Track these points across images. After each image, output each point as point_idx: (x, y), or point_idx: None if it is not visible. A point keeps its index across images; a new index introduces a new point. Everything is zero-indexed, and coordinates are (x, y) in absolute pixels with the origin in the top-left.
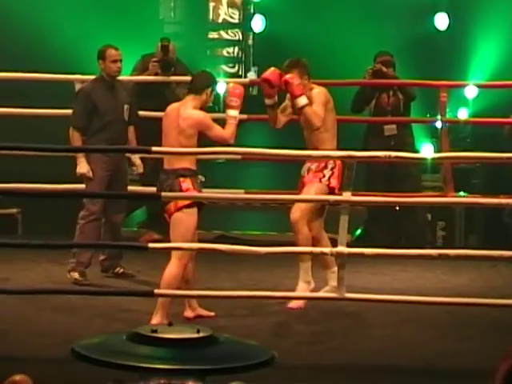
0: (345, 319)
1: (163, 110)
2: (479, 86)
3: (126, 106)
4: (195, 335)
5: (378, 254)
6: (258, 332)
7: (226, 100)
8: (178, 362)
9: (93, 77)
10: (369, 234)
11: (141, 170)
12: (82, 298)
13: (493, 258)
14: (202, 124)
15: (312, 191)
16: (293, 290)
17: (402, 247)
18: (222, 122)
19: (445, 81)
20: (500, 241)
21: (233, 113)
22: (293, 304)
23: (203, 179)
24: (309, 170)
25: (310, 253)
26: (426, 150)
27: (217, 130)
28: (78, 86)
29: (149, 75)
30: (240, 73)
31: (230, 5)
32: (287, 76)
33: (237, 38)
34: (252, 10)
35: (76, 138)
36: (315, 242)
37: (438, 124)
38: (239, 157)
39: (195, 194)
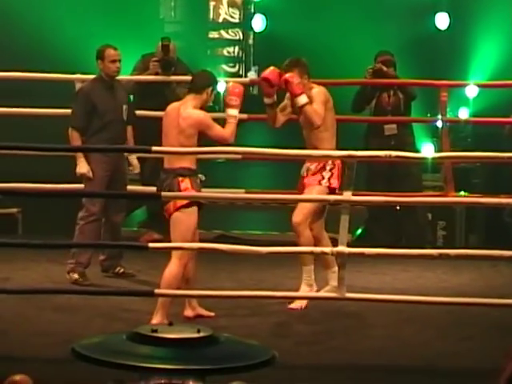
0: (345, 319)
1: (164, 109)
2: (480, 86)
3: (124, 106)
4: (195, 335)
5: (379, 253)
6: (259, 332)
7: (226, 99)
8: (179, 362)
9: (93, 76)
10: (369, 234)
11: (137, 170)
12: (83, 298)
13: (493, 258)
14: (202, 124)
15: (313, 194)
16: (293, 289)
17: (402, 247)
18: (222, 122)
19: (445, 80)
20: (500, 240)
21: (233, 112)
22: (294, 305)
23: (203, 178)
24: (308, 170)
25: (311, 252)
26: (427, 150)
27: (217, 130)
28: (78, 86)
29: (149, 75)
30: (240, 72)
31: (231, 4)
32: (287, 75)
33: (237, 37)
34: (252, 10)
35: (75, 138)
36: (316, 241)
37: (439, 123)
38: (239, 156)
39: (194, 193)
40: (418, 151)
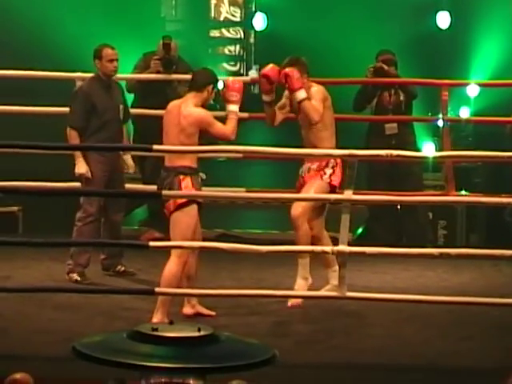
0: (346, 318)
1: (165, 108)
2: (481, 85)
3: (121, 106)
4: (196, 334)
5: (380, 252)
6: (259, 330)
7: (226, 95)
8: (179, 361)
9: (91, 75)
10: (370, 233)
11: (132, 170)
12: (83, 296)
13: (494, 257)
14: (203, 121)
15: (313, 188)
16: (294, 288)
17: (403, 246)
18: (222, 120)
19: (446, 79)
20: (501, 240)
21: (233, 108)
22: (292, 302)
23: (204, 177)
24: (309, 169)
25: (311, 251)
26: (428, 149)
27: (218, 127)
28: (78, 84)
29: (150, 73)
30: (241, 71)
31: (232, 3)
32: (287, 69)
33: (238, 36)
34: (253, 8)
35: (74, 138)
36: (316, 240)
37: (440, 123)
38: (240, 155)
39: (195, 192)
40: (418, 150)
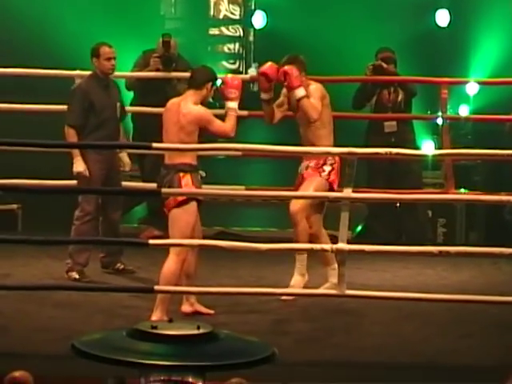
0: (345, 316)
1: (164, 105)
2: (480, 83)
3: (118, 104)
4: (195, 331)
5: (379, 250)
6: (259, 328)
7: (224, 92)
8: (178, 359)
9: (88, 73)
10: (369, 231)
11: (128, 167)
12: (83, 294)
13: (494, 255)
14: (202, 119)
15: (312, 185)
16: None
17: (402, 244)
18: (222, 118)
19: (446, 77)
20: (501, 238)
21: (232, 105)
22: (286, 296)
23: (204, 174)
24: (307, 167)
25: (311, 249)
26: (427, 147)
27: (217, 125)
28: (77, 82)
29: (150, 71)
30: (241, 69)
31: (231, 1)
32: (286, 67)
33: (238, 34)
34: (253, 6)
35: (72, 136)
36: (314, 238)
37: (439, 121)
38: (240, 153)
39: (195, 190)
40: (418, 148)
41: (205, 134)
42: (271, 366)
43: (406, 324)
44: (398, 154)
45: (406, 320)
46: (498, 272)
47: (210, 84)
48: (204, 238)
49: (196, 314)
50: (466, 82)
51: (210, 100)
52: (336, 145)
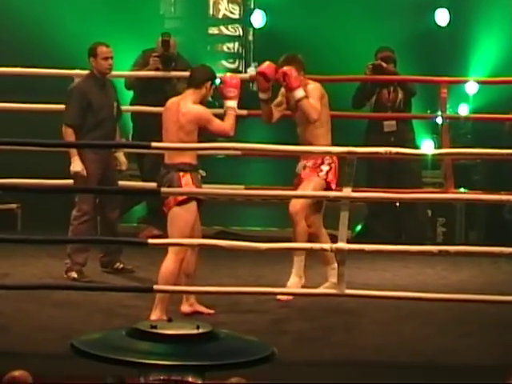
0: (345, 315)
1: (164, 105)
2: (480, 82)
3: (115, 103)
4: (195, 331)
5: (379, 250)
6: (258, 328)
7: (223, 91)
8: (178, 358)
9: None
10: (369, 231)
11: (125, 166)
12: (82, 294)
13: (493, 255)
14: (202, 118)
15: (311, 186)
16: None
17: (402, 243)
18: (221, 117)
19: (445, 77)
20: (500, 237)
21: (231, 104)
22: (282, 296)
23: (204, 174)
24: (305, 167)
25: (310, 249)
26: (427, 146)
27: (217, 124)
28: (75, 82)
29: (149, 70)
30: (240, 68)
31: (231, 0)
32: (285, 68)
33: (237, 33)
34: (252, 6)
35: (69, 135)
36: (314, 238)
37: (439, 120)
38: (239, 152)
39: (194, 189)
40: (417, 148)
41: (204, 133)
42: (271, 365)
43: (405, 323)
44: (397, 153)
45: (406, 319)
46: (498, 271)
47: (210, 83)
48: (203, 237)
49: (196, 314)
50: (466, 82)
51: (210, 99)
52: (335, 144)
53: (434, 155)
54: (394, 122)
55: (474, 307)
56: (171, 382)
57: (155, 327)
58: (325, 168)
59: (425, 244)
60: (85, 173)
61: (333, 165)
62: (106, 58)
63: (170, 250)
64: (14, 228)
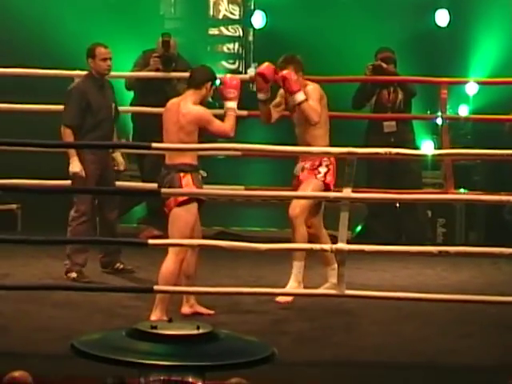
0: (345, 316)
1: (164, 105)
2: (480, 83)
3: (113, 104)
4: (195, 331)
5: (379, 250)
6: (258, 328)
7: (223, 92)
8: (178, 359)
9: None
10: (369, 231)
11: (123, 167)
12: (82, 294)
13: (493, 255)
14: (202, 119)
15: (309, 188)
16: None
17: (402, 244)
18: (221, 118)
19: (445, 77)
20: (501, 238)
21: (231, 104)
22: (280, 298)
23: (205, 174)
24: (303, 169)
25: (310, 249)
26: (427, 147)
27: (217, 124)
28: (74, 82)
29: (150, 71)
30: (240, 69)
31: (231, 1)
32: (284, 72)
33: (237, 34)
34: (252, 6)
35: (68, 136)
36: (315, 239)
37: (439, 121)
38: (239, 153)
39: (195, 190)
40: (417, 148)
41: (204, 133)
42: (271, 365)
43: (405, 324)
44: (397, 153)
45: (406, 320)
46: (498, 272)
47: (210, 83)
48: (204, 237)
49: (196, 315)
50: (466, 82)
51: (210, 100)
52: (335, 145)
53: (434, 156)
54: (393, 123)
55: (474, 308)
56: (171, 383)
57: (155, 328)
58: (322, 170)
59: (425, 244)
60: (83, 173)
61: (331, 166)
62: (105, 59)
63: (170, 250)
64: (14, 228)
